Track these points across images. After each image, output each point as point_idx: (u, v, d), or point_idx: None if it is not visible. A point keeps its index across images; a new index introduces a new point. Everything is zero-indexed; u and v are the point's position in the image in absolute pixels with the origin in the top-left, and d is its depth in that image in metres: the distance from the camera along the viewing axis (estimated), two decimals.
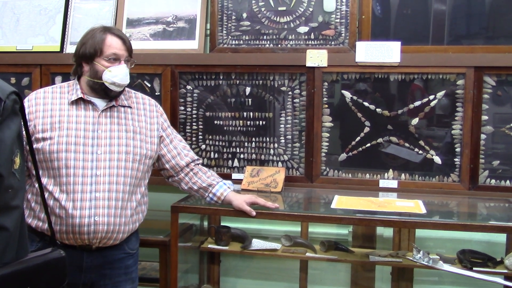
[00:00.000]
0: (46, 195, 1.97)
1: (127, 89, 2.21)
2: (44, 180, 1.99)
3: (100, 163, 2.01)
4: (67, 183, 1.97)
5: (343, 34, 2.87)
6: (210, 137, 3.00)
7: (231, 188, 2.33)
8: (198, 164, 2.33)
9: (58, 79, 3.08)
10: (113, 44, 2.05)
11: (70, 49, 3.11)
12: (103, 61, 2.04)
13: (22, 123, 1.30)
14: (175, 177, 2.30)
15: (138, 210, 2.13)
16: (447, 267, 1.78)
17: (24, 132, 1.33)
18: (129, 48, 2.11)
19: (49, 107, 2.06)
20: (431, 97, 2.78)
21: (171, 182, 2.34)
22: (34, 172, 2.02)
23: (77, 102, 2.07)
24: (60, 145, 1.98)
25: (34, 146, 1.98)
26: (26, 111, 2.03)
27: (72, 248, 2.00)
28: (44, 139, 2.00)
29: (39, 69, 3.10)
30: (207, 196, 2.30)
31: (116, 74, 2.04)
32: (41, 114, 2.04)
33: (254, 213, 2.26)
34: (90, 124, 2.04)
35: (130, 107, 2.16)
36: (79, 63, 2.10)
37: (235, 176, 2.93)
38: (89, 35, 2.08)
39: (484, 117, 2.72)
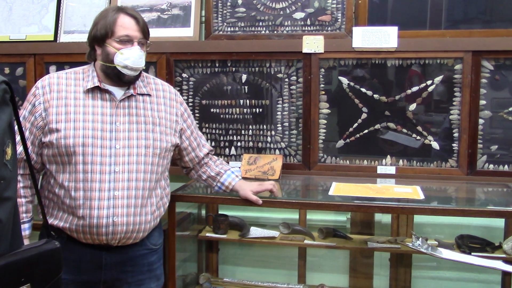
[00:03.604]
0: (63, 192, 1.88)
1: (145, 74, 2.07)
2: (60, 176, 1.88)
3: (119, 159, 1.88)
4: (85, 180, 1.85)
5: (339, 20, 2.84)
6: (207, 125, 2.99)
7: (240, 177, 2.28)
8: (212, 154, 2.28)
9: (52, 68, 3.05)
10: (125, 24, 1.90)
11: (64, 38, 3.08)
12: (114, 43, 1.89)
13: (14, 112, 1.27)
14: (190, 168, 2.24)
15: (159, 204, 2.03)
16: (446, 254, 1.77)
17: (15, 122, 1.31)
18: (143, 29, 1.94)
19: (63, 95, 1.90)
20: (429, 82, 2.76)
21: (185, 172, 2.28)
22: (37, 167, 1.93)
23: (93, 90, 1.93)
24: (77, 139, 1.85)
25: (47, 138, 1.87)
26: (40, 98, 1.89)
27: (90, 246, 1.92)
28: (58, 130, 1.86)
29: (33, 58, 3.07)
30: (215, 185, 2.25)
31: (128, 57, 1.88)
32: (55, 102, 1.89)
33: (260, 201, 2.21)
34: (107, 116, 1.90)
35: (149, 95, 2.02)
36: (92, 46, 1.96)
37: (232, 164, 2.91)
38: (102, 16, 1.94)
39: (482, 102, 2.70)
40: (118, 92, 1.96)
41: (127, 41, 1.90)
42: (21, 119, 1.79)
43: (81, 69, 2.01)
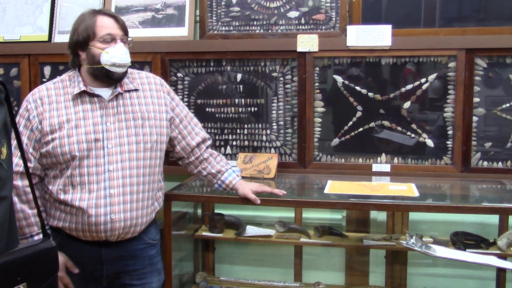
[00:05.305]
0: (61, 195, 1.92)
1: (130, 70, 2.07)
2: (57, 181, 1.94)
3: (112, 158, 1.93)
4: (82, 183, 1.91)
5: (333, 18, 2.85)
6: (202, 124, 2.93)
7: (240, 176, 2.29)
8: (208, 146, 2.26)
9: (47, 68, 3.05)
10: (105, 24, 1.93)
11: (58, 38, 3.08)
12: (98, 44, 1.92)
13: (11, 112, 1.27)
14: (186, 160, 2.23)
15: (153, 199, 2.07)
16: (440, 252, 1.77)
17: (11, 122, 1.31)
18: (123, 26, 1.98)
19: (55, 106, 1.95)
20: (423, 80, 2.77)
21: (181, 164, 2.29)
22: (41, 174, 1.97)
23: (81, 95, 1.96)
24: (71, 146, 1.90)
25: (44, 148, 1.92)
26: (34, 112, 1.95)
27: (90, 243, 1.97)
28: (53, 139, 1.92)
29: (27, 59, 3.06)
30: (215, 182, 2.26)
31: (114, 55, 1.92)
32: (48, 114, 1.94)
33: (259, 201, 2.23)
34: (97, 118, 1.95)
35: (136, 90, 2.05)
36: (75, 52, 1.97)
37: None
38: (80, 21, 1.96)
39: (476, 100, 2.72)
40: (106, 93, 1.99)
41: (110, 40, 1.93)
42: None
43: (66, 76, 2.03)
